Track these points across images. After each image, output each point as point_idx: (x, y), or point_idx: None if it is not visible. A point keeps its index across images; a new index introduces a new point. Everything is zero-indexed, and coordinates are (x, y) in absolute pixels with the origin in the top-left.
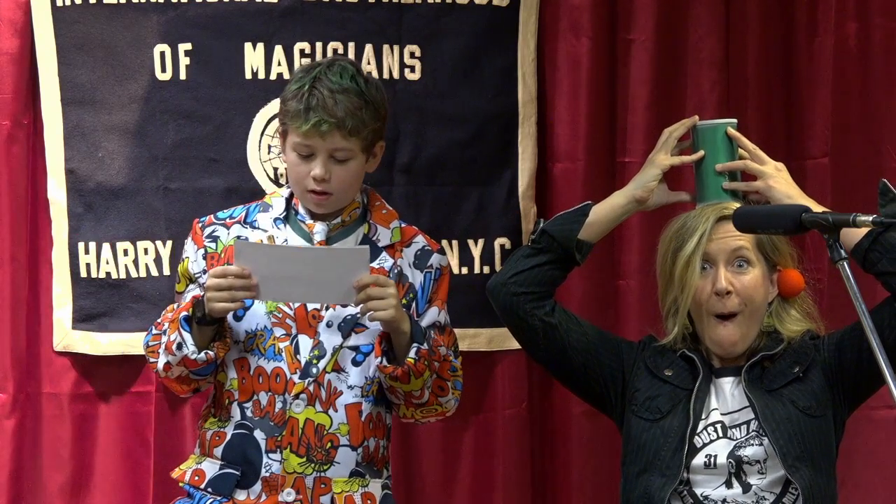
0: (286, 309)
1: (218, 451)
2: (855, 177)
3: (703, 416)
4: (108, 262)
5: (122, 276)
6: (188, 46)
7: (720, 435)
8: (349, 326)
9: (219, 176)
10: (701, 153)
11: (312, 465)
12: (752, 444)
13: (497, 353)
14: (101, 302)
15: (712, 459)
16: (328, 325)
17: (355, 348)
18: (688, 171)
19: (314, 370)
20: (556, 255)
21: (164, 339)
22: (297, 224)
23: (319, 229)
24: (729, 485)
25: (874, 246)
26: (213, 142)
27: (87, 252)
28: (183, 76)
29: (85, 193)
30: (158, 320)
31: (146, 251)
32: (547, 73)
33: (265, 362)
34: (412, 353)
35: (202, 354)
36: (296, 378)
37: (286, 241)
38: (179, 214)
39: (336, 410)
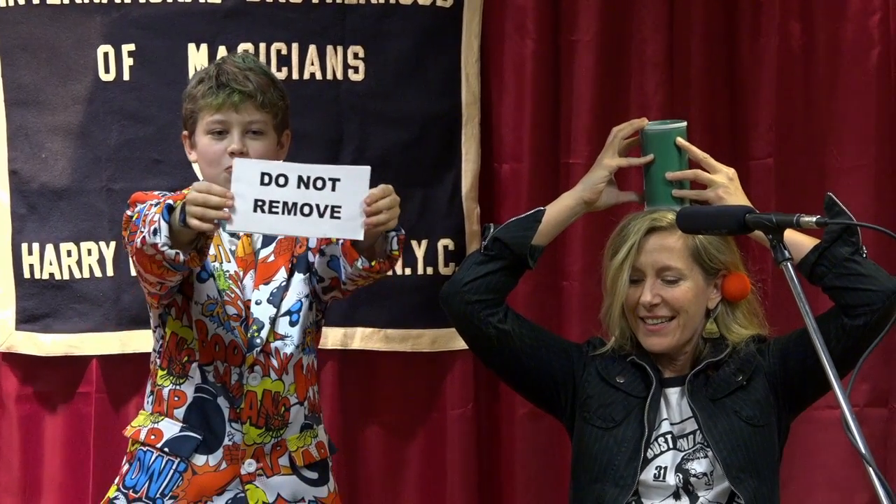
0: (236, 290)
1: (179, 413)
2: (799, 177)
3: (656, 427)
4: (51, 263)
5: (66, 276)
6: (132, 47)
7: (670, 446)
8: (278, 297)
9: (162, 177)
10: (650, 157)
11: (271, 432)
12: (699, 457)
13: (442, 354)
14: (44, 303)
15: (662, 472)
16: (257, 303)
17: (287, 312)
18: (635, 170)
19: (258, 341)
20: (508, 262)
21: (149, 214)
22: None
23: None
24: (677, 496)
25: (820, 260)
26: (157, 142)
27: (30, 253)
28: (126, 77)
29: (28, 194)
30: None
31: (90, 252)
32: (491, 75)
33: (223, 332)
34: (395, 246)
35: (173, 251)
36: (245, 351)
37: (233, 246)
38: (123, 215)
39: (288, 373)
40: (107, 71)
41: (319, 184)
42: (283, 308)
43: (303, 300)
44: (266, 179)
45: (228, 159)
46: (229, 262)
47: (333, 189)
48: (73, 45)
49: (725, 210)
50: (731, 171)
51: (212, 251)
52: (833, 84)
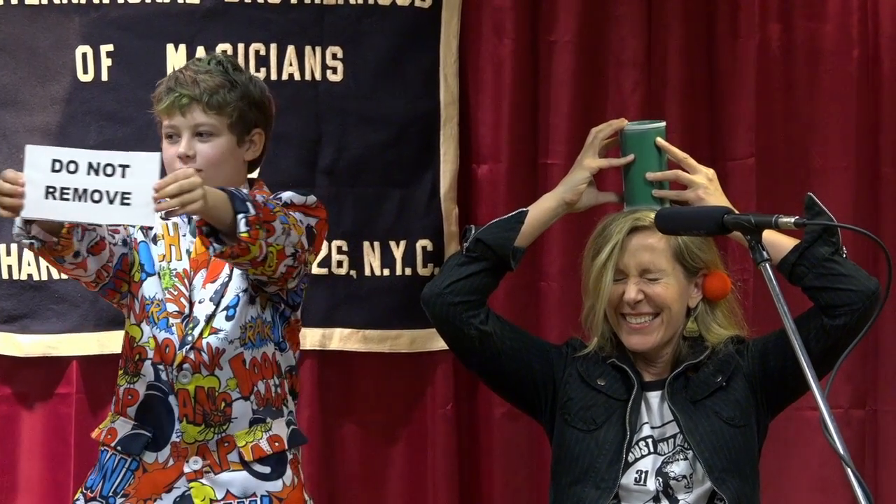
0: (182, 288)
1: (131, 412)
2: (779, 177)
3: (637, 430)
4: (29, 264)
5: (44, 277)
6: (110, 48)
7: (651, 450)
8: (219, 294)
9: None
10: (630, 157)
11: (212, 429)
12: (678, 460)
13: (421, 355)
14: (22, 303)
15: (642, 476)
16: (200, 302)
17: (225, 308)
18: (614, 170)
19: (189, 338)
20: (490, 264)
21: None
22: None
23: None
24: (657, 500)
25: (800, 261)
26: (135, 143)
27: (8, 254)
28: (105, 77)
29: None
30: None
31: None
32: (470, 75)
33: (158, 331)
34: (242, 228)
35: (27, 241)
36: (176, 349)
37: (191, 245)
38: None
39: (222, 368)
40: (85, 71)
41: (109, 170)
42: (223, 304)
43: (240, 295)
44: (57, 166)
45: (178, 163)
46: (180, 260)
47: (123, 176)
48: (51, 46)
49: (704, 211)
50: (711, 172)
51: (161, 250)
52: (813, 84)
